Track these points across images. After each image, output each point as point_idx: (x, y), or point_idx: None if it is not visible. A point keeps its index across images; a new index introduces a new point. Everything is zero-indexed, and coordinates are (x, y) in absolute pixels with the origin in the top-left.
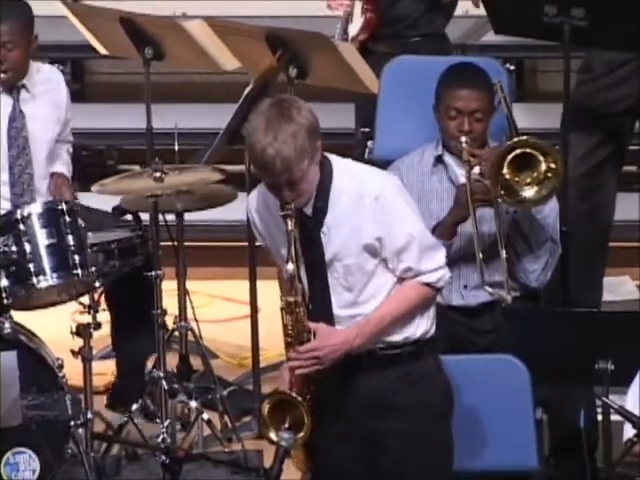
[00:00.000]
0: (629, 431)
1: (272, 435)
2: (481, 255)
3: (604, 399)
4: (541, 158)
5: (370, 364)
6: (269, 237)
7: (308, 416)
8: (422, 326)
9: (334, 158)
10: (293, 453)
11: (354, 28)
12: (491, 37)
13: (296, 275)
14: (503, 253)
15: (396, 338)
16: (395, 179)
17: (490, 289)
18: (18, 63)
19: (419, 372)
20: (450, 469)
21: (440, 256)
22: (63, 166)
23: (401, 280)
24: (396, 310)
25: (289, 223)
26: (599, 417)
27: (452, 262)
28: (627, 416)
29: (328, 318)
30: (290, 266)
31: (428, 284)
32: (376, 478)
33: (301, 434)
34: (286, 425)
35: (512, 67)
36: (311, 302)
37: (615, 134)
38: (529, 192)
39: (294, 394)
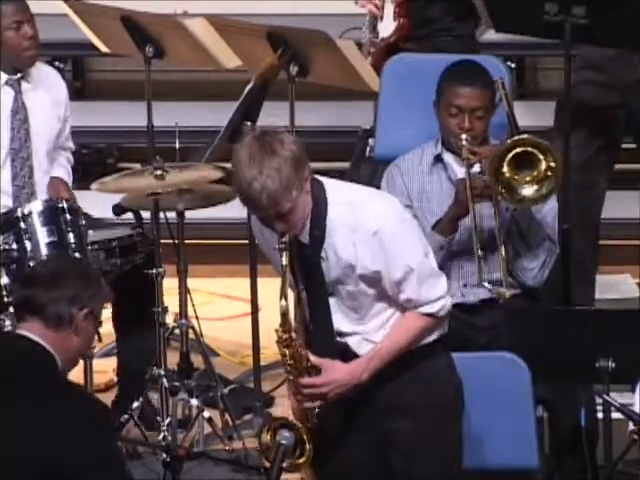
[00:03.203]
0: (632, 427)
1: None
2: (480, 252)
3: (605, 397)
4: (541, 157)
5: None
6: (270, 250)
7: (310, 442)
8: (434, 335)
9: (328, 183)
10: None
11: (385, 29)
12: (492, 35)
13: (288, 312)
14: (502, 250)
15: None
16: (394, 205)
17: (488, 285)
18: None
19: (431, 372)
20: (460, 468)
21: (441, 285)
22: (62, 172)
23: (404, 308)
24: (400, 342)
25: (284, 257)
26: (600, 415)
27: (452, 261)
28: (628, 414)
29: (329, 342)
30: (283, 303)
31: (430, 314)
32: (387, 478)
33: (302, 459)
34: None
35: (513, 65)
36: (312, 325)
37: (606, 128)
38: (528, 191)
39: (295, 421)
